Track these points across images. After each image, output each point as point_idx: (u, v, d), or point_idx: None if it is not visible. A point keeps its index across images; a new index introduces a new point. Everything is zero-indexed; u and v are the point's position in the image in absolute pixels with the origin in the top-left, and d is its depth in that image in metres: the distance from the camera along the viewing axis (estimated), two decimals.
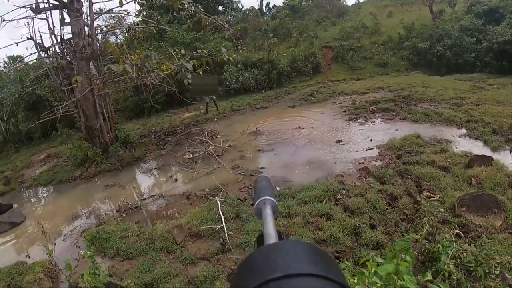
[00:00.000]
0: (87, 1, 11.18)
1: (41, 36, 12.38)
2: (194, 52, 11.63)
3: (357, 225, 5.65)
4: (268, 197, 0.79)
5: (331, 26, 29.56)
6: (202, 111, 17.10)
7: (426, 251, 4.14)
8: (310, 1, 36.26)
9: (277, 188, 7.74)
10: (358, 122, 12.04)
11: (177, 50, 11.29)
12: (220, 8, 32.00)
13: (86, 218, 8.43)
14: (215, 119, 14.93)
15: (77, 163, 11.96)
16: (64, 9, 11.10)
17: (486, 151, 8.33)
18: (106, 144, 12.06)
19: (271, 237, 0.65)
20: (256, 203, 0.79)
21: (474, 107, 11.79)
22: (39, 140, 18.85)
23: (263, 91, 20.41)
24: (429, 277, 2.72)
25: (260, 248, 0.52)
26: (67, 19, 11.20)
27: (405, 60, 22.82)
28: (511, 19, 20.57)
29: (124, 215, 7.99)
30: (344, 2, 37.48)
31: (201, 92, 14.65)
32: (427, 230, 4.18)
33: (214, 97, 16.39)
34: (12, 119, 19.88)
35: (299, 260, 0.46)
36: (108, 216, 8.05)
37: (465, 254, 3.84)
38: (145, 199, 8.84)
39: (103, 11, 13.95)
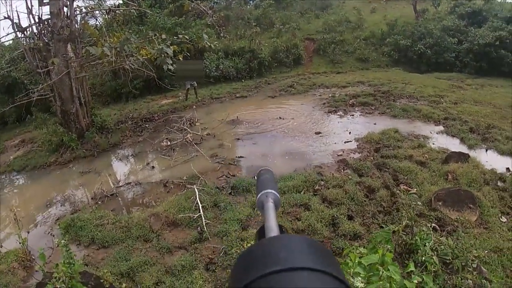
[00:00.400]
0: None
1: (18, 16, 11.85)
2: (175, 38, 11.38)
3: (335, 216, 5.68)
4: (270, 191, 0.77)
5: (314, 19, 29.54)
6: (181, 97, 16.84)
7: (404, 243, 4.19)
8: None
9: (255, 177, 7.68)
10: (337, 115, 12.12)
11: (157, 35, 11.04)
12: None
13: (61, 206, 8.14)
14: (194, 106, 14.74)
15: (52, 149, 11.57)
16: None
17: (463, 149, 8.52)
18: (82, 129, 11.72)
19: (272, 230, 0.63)
20: (258, 196, 0.77)
21: (452, 106, 12.05)
22: (13, 125, 18.15)
23: (243, 80, 20.28)
24: (412, 268, 2.74)
25: (261, 241, 0.52)
26: None
27: (386, 56, 23.10)
28: (493, 22, 21.07)
29: (99, 202, 7.78)
30: None
31: (186, 77, 14.59)
32: (406, 222, 4.22)
33: (195, 84, 16.13)
34: None
35: (300, 254, 0.46)
36: (83, 204, 7.82)
37: (442, 247, 3.90)
38: (121, 186, 8.65)
39: None
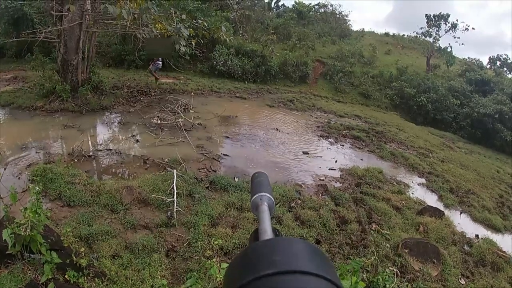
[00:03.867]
0: None
1: None
2: (193, 21, 11.32)
3: (304, 236, 5.71)
4: (265, 194, 0.77)
5: (330, 44, 29.88)
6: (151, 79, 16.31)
7: (367, 279, 4.23)
8: (318, 13, 36.46)
9: (235, 179, 7.69)
10: (328, 141, 12.23)
11: (177, 13, 10.96)
12: None
13: (36, 153, 7.95)
14: (192, 93, 14.70)
15: (42, 93, 11.33)
16: None
17: (439, 205, 8.67)
18: (77, 83, 11.53)
19: (266, 233, 0.63)
20: (252, 198, 0.77)
21: (439, 162, 12.27)
22: (10, 59, 17.74)
23: (246, 82, 20.34)
24: None
25: (255, 244, 0.51)
26: None
27: (388, 99, 23.51)
28: (498, 95, 21.60)
29: (75, 160, 7.63)
30: (350, 26, 38.03)
31: (156, 54, 14.61)
32: (375, 258, 4.26)
33: (159, 66, 15.78)
34: None
35: (294, 257, 0.45)
36: (59, 157, 7.63)
37: None
38: (100, 150, 8.52)
39: None
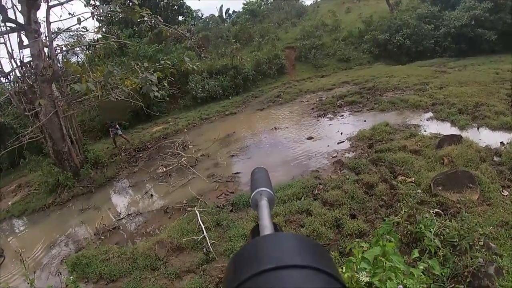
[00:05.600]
0: (44, 22, 10.84)
1: (0, 62, 11.94)
2: (157, 64, 11.46)
3: (338, 217, 5.67)
4: (265, 189, 0.77)
5: (291, 27, 29.91)
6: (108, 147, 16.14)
7: (409, 232, 4.18)
8: (269, 4, 36.60)
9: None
10: (327, 118, 12.20)
11: (139, 64, 11.10)
12: (180, 18, 31.80)
13: (65, 245, 8.10)
14: (185, 130, 14.79)
15: (49, 190, 11.54)
16: (21, 31, 10.69)
17: (455, 131, 8.56)
18: (76, 167, 11.69)
19: (267, 228, 0.62)
20: (252, 194, 0.77)
21: (438, 91, 12.15)
22: (7, 171, 18.11)
23: (230, 98, 20.45)
24: (417, 254, 2.72)
25: (254, 239, 0.51)
26: (26, 41, 10.78)
27: (366, 53, 23.39)
28: (465, 3, 21.27)
29: (102, 237, 7.75)
30: (303, 3, 38.09)
31: (111, 118, 15.22)
32: (405, 212, 4.22)
33: (119, 132, 15.38)
34: None
35: (294, 251, 0.45)
36: (87, 241, 7.76)
37: (447, 230, 3.90)
38: (122, 218, 8.62)
39: (62, 30, 13.55)
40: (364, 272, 2.26)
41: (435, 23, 21.98)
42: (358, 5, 30.57)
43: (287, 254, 0.45)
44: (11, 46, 11.28)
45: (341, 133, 10.15)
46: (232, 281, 0.44)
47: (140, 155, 13.53)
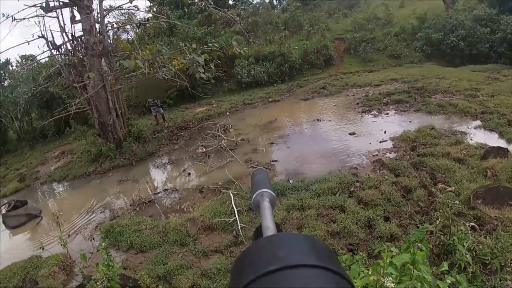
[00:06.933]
0: None
1: (52, 35, 12.59)
2: (205, 47, 11.61)
3: (371, 217, 5.61)
4: (266, 190, 0.78)
5: (342, 18, 29.29)
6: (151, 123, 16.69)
7: (441, 243, 4.08)
8: None
9: (290, 180, 7.74)
10: (372, 114, 11.94)
11: (188, 45, 11.28)
12: (231, 1, 31.87)
13: (100, 213, 8.54)
14: (228, 113, 14.96)
15: (91, 159, 12.10)
16: (74, 7, 11.12)
17: (502, 143, 8.17)
18: (119, 139, 12.16)
19: (269, 229, 0.63)
20: (253, 196, 0.78)
21: (489, 98, 11.57)
22: (53, 137, 19.10)
23: (274, 85, 20.36)
24: (446, 267, 2.67)
25: (258, 240, 0.51)
26: (78, 17, 11.22)
27: (418, 51, 22.50)
28: None
29: (137, 209, 8.08)
30: None
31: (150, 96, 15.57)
32: (441, 221, 4.11)
33: (161, 111, 16.22)
34: (26, 118, 20.14)
35: (298, 251, 0.45)
36: (122, 210, 8.14)
37: (480, 246, 3.77)
38: (158, 193, 8.93)
39: (113, 7, 13.95)
40: (390, 278, 2.25)
41: (491, 26, 20.74)
42: (412, 0, 29.40)
43: (294, 253, 0.45)
44: (63, 20, 11.74)
45: (385, 132, 9.92)
46: (238, 282, 0.44)
47: (182, 133, 13.85)
